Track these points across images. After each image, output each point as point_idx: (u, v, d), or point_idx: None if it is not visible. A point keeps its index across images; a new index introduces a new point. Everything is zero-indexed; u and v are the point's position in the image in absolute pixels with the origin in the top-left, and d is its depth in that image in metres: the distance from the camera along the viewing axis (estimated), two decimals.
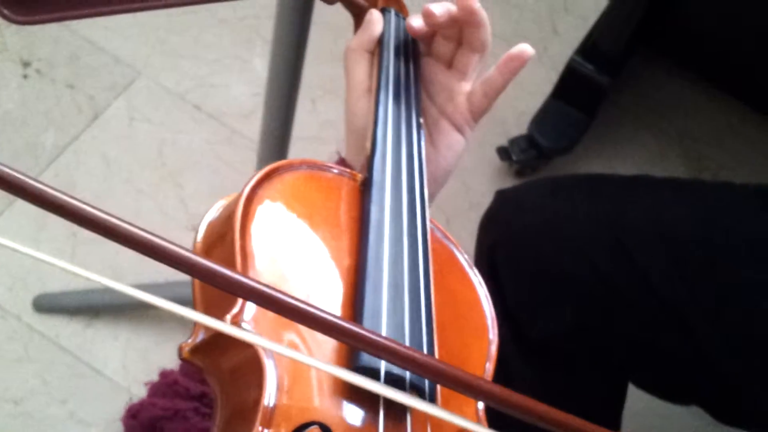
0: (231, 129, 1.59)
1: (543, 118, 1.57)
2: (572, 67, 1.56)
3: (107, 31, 1.65)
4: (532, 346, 0.94)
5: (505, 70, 0.67)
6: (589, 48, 1.57)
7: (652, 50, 1.68)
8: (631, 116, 1.69)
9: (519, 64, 0.67)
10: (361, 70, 0.69)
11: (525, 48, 0.66)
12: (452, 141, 0.69)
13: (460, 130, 0.69)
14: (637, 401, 1.01)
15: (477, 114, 0.69)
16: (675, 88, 1.71)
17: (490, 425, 0.49)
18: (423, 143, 0.65)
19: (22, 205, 1.47)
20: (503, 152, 1.57)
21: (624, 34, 1.53)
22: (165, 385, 0.61)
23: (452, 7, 0.65)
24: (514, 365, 0.96)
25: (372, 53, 0.70)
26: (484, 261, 0.97)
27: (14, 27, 1.63)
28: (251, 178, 0.55)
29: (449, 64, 0.69)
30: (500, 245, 0.95)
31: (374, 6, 0.72)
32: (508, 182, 1.59)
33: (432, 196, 0.69)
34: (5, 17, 0.71)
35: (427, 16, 0.66)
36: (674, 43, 1.66)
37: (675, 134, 1.68)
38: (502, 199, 0.99)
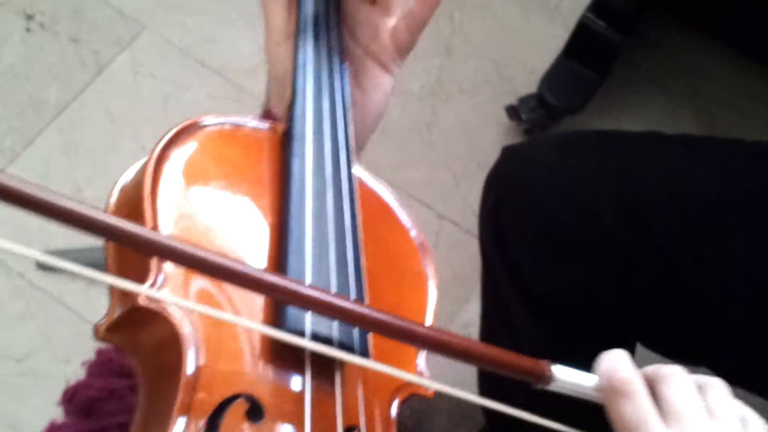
0: (236, 85, 1.57)
1: (553, 76, 1.54)
2: (584, 24, 1.53)
3: None
4: (537, 304, 0.93)
5: (426, 2, 0.64)
6: (601, 5, 1.54)
7: (666, 9, 1.65)
8: (643, 75, 1.66)
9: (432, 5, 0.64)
10: (279, 12, 0.64)
11: None
12: (379, 81, 0.66)
13: (386, 68, 0.66)
14: (645, 360, 1.00)
15: (403, 50, 0.65)
16: (688, 47, 1.68)
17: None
18: (347, 88, 0.63)
19: None
20: (512, 111, 1.55)
21: None
22: (100, 364, 0.60)
23: None
24: (520, 324, 0.95)
25: None
26: (488, 218, 0.96)
27: None
28: (161, 138, 0.53)
29: (372, 0, 0.66)
30: (505, 202, 0.94)
31: None
32: (517, 141, 1.57)
33: (363, 141, 0.67)
34: None
35: None
36: (688, 1, 1.63)
37: (687, 94, 1.65)
38: (508, 155, 0.97)
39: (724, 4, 1.57)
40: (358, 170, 0.62)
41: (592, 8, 1.54)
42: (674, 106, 1.64)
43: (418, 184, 1.53)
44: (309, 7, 0.65)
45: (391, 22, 0.65)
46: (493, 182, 0.97)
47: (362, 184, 0.60)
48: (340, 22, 0.66)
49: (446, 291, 1.44)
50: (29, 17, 1.60)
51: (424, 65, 1.63)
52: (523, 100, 1.54)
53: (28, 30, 1.59)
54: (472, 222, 1.02)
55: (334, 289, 0.52)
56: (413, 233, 0.61)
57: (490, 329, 1.04)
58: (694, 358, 0.94)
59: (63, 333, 1.37)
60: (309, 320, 0.49)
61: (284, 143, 0.58)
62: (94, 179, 1.47)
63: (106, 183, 0.56)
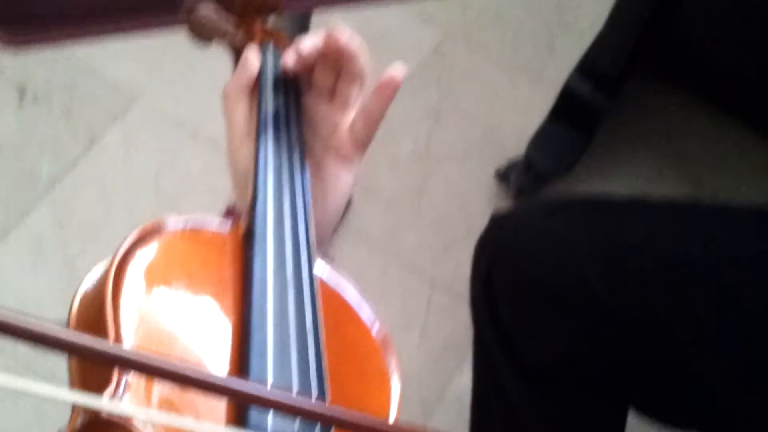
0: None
1: (540, 140, 1.56)
2: (569, 87, 1.55)
3: (105, 57, 1.65)
4: (529, 372, 0.93)
5: (381, 97, 0.65)
6: (586, 68, 1.56)
7: (652, 70, 1.68)
8: (630, 136, 1.69)
9: (392, 89, 0.65)
10: (241, 113, 0.66)
11: (394, 73, 0.64)
12: (340, 175, 0.67)
13: (346, 163, 0.67)
14: (637, 427, 1.00)
15: (361, 144, 0.67)
16: (675, 108, 1.71)
17: None
18: (308, 184, 0.64)
19: None
20: (501, 175, 1.57)
21: (622, 54, 1.53)
22: None
23: (320, 42, 0.64)
24: (513, 393, 0.95)
25: (251, 94, 0.67)
26: (479, 285, 0.96)
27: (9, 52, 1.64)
28: (122, 243, 0.53)
29: (331, 97, 0.67)
30: (496, 271, 0.95)
31: (251, 40, 0.69)
32: (507, 205, 1.59)
33: (325, 236, 0.67)
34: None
35: (297, 54, 0.65)
36: (674, 63, 1.66)
37: (673, 154, 1.67)
38: (497, 223, 0.99)
39: (710, 67, 1.60)
40: (320, 267, 0.62)
41: (578, 71, 1.56)
42: (661, 167, 1.66)
43: (409, 250, 1.54)
44: (269, 106, 0.66)
45: (349, 118, 0.66)
46: (482, 250, 0.98)
47: (323, 283, 0.61)
48: (300, 119, 0.67)
49: (437, 359, 1.44)
50: (22, 90, 1.62)
51: (413, 131, 1.65)
52: (512, 166, 1.56)
53: (21, 103, 1.61)
54: (464, 288, 1.03)
55: (296, 388, 0.53)
56: (375, 330, 0.61)
57: (481, 395, 1.05)
58: (687, 423, 0.94)
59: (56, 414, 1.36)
60: (271, 420, 0.50)
61: (246, 243, 0.59)
62: (86, 251, 1.47)
63: (99, 255, 0.56)
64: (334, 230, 0.69)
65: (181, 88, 1.64)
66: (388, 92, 0.64)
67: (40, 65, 1.64)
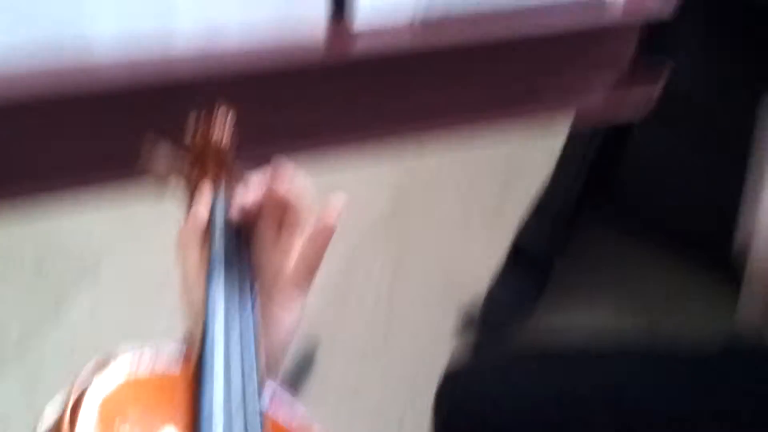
0: None
1: (495, 292, 1.61)
2: (521, 236, 1.62)
3: (72, 217, 1.70)
4: None
5: (316, 244, 0.68)
6: (537, 214, 1.63)
7: (601, 215, 1.75)
8: (585, 278, 1.74)
9: (326, 237, 0.68)
10: (192, 256, 0.69)
11: (327, 220, 0.67)
12: (286, 310, 0.70)
13: (291, 301, 0.70)
14: None
15: (304, 285, 0.70)
16: (629, 249, 1.77)
17: None
18: (256, 321, 0.67)
19: None
20: (462, 321, 1.61)
21: (569, 203, 1.60)
22: None
23: (261, 194, 0.69)
24: None
25: (203, 238, 0.70)
26: None
27: None
28: (74, 384, 0.55)
29: (274, 242, 0.70)
30: (452, 425, 0.97)
31: (205, 177, 0.74)
32: (461, 357, 1.61)
33: (277, 363, 0.70)
34: None
35: (240, 207, 0.69)
36: (624, 209, 1.73)
37: (629, 294, 1.72)
38: (451, 378, 1.02)
39: (660, 212, 1.67)
40: (270, 397, 0.64)
41: (528, 219, 1.63)
42: (618, 305, 1.70)
43: (375, 400, 1.55)
44: (218, 248, 0.69)
45: (291, 261, 0.69)
46: (438, 405, 1.01)
47: (270, 418, 0.64)
48: (248, 259, 0.70)
49: None
50: None
51: (375, 282, 1.69)
52: (468, 320, 1.60)
53: None
54: None
55: None
56: None
57: None
58: None
59: None
60: None
61: (196, 379, 0.61)
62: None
63: None
64: (283, 356, 0.72)
65: (146, 252, 1.69)
66: (322, 240, 0.68)
67: (7, 234, 1.69)
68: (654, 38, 1.36)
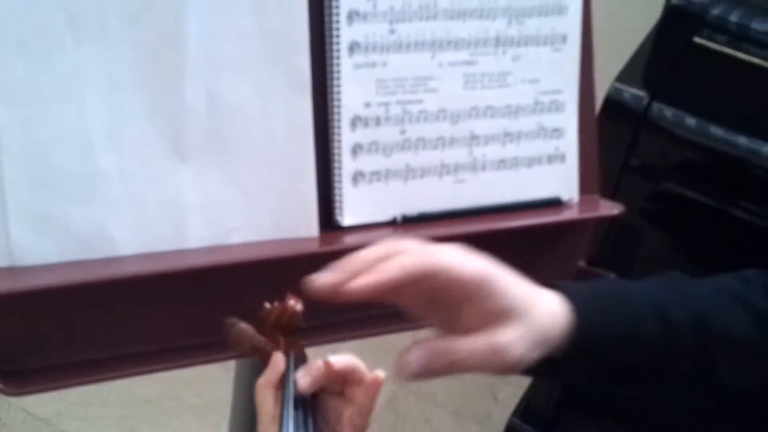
0: None
1: None
2: (511, 428, 1.70)
3: (83, 423, 1.79)
4: None
5: (368, 393, 0.85)
6: (525, 412, 1.72)
7: (582, 410, 1.84)
8: None
9: (376, 387, 0.85)
10: (269, 401, 0.86)
11: (378, 374, 0.85)
12: None
13: None
14: None
15: (359, 429, 0.86)
16: None
17: None
18: None
19: None
20: None
21: (552, 398, 1.70)
22: None
23: (317, 379, 0.85)
24: None
25: (277, 388, 0.87)
26: None
27: None
28: None
29: (339, 395, 0.87)
30: None
31: (277, 349, 0.90)
32: None
33: None
34: (1, 390, 0.88)
35: (311, 380, 0.86)
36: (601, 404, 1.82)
37: None
38: None
39: (637, 405, 1.76)
40: None
41: (517, 414, 1.72)
42: None
43: None
44: (290, 396, 0.85)
45: (351, 410, 0.86)
46: None
47: None
48: (314, 408, 0.86)
49: None
50: None
51: None
52: None
53: None
54: None
55: None
56: None
57: None
58: None
59: None
60: None
61: None
62: None
63: None
64: None
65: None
66: (373, 389, 0.85)
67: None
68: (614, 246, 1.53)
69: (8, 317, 0.94)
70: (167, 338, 1.04)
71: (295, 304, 0.93)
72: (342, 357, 0.86)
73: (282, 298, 0.94)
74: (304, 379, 0.86)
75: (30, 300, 0.93)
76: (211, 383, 1.77)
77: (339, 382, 0.87)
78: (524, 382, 1.87)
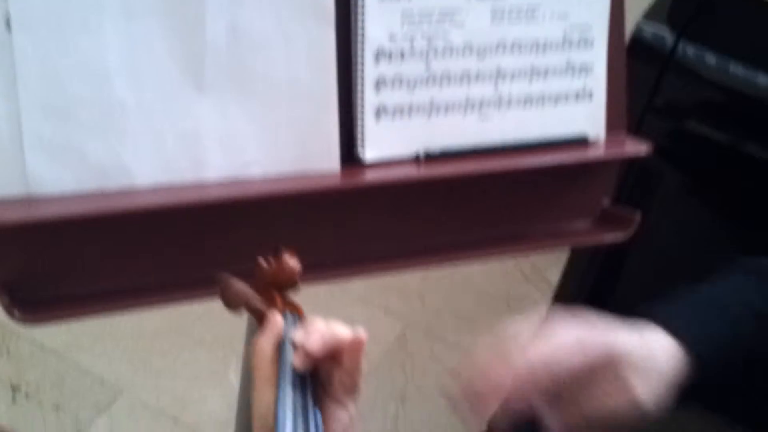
0: None
1: None
2: None
3: (92, 355, 1.79)
4: None
5: (351, 356, 0.79)
6: None
7: None
8: None
9: (357, 353, 0.79)
10: (266, 360, 0.81)
11: (358, 335, 0.79)
12: (337, 415, 0.80)
13: (341, 406, 0.80)
14: None
15: (350, 391, 0.81)
16: None
17: None
18: (320, 422, 0.76)
19: None
20: None
21: None
22: None
23: (312, 354, 0.79)
24: None
25: (275, 349, 0.82)
26: None
27: (5, 355, 1.77)
28: None
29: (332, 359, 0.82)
30: None
31: (273, 307, 0.86)
32: None
33: None
34: (15, 318, 0.86)
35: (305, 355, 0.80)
36: None
37: None
38: None
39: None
40: None
41: None
42: None
43: None
44: (287, 358, 0.80)
45: (339, 371, 0.80)
46: None
47: None
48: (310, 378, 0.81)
49: None
50: (15, 388, 1.73)
51: (381, 412, 1.76)
52: None
53: (13, 400, 1.71)
54: None
55: None
56: None
57: None
58: None
59: None
60: None
61: None
62: None
63: None
64: None
65: (162, 380, 1.77)
66: (356, 350, 0.79)
67: (33, 364, 1.77)
68: (633, 187, 1.50)
69: (23, 247, 0.92)
70: (180, 271, 1.02)
71: (290, 259, 0.88)
72: (315, 338, 0.79)
73: (276, 254, 0.89)
74: (299, 354, 0.81)
75: (45, 229, 0.92)
76: (220, 318, 1.77)
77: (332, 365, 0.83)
78: None
